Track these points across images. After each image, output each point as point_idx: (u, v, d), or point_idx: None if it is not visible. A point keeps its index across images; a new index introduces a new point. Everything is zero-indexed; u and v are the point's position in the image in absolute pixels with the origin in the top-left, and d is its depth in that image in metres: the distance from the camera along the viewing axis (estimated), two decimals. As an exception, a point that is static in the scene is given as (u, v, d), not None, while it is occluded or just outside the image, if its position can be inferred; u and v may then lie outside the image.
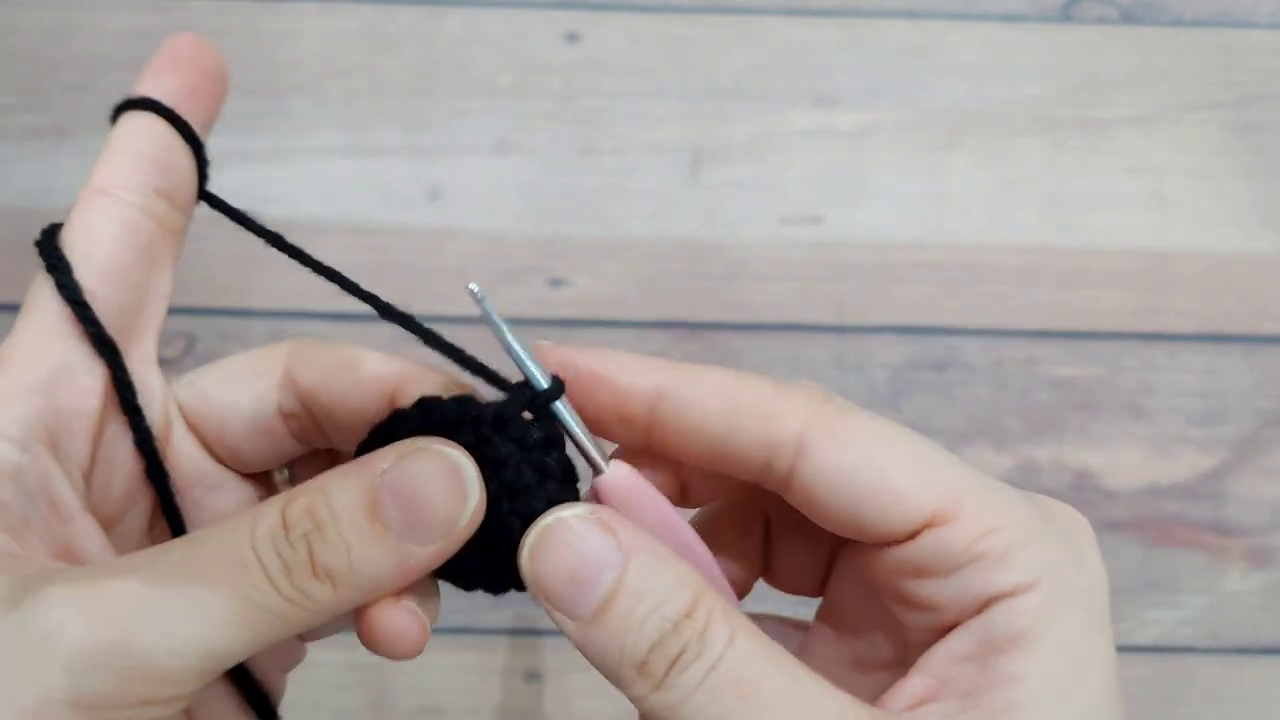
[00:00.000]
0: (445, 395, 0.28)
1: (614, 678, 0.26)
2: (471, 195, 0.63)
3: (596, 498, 0.28)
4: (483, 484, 0.26)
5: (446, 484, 0.26)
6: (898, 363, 0.62)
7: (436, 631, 0.54)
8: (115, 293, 0.28)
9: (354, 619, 0.27)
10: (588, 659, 0.26)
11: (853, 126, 0.65)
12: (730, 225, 0.64)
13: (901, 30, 0.66)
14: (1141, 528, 0.62)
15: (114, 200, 0.29)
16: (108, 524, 0.29)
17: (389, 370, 0.29)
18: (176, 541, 0.26)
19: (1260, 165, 0.65)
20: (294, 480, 0.33)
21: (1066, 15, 0.67)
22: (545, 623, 0.59)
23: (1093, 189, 0.65)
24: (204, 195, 0.31)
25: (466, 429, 0.27)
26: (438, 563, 0.26)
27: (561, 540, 0.26)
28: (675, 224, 0.63)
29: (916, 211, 0.64)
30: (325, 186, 0.63)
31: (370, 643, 0.27)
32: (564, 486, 0.27)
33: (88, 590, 0.24)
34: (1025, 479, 0.62)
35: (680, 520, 0.29)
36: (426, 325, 0.30)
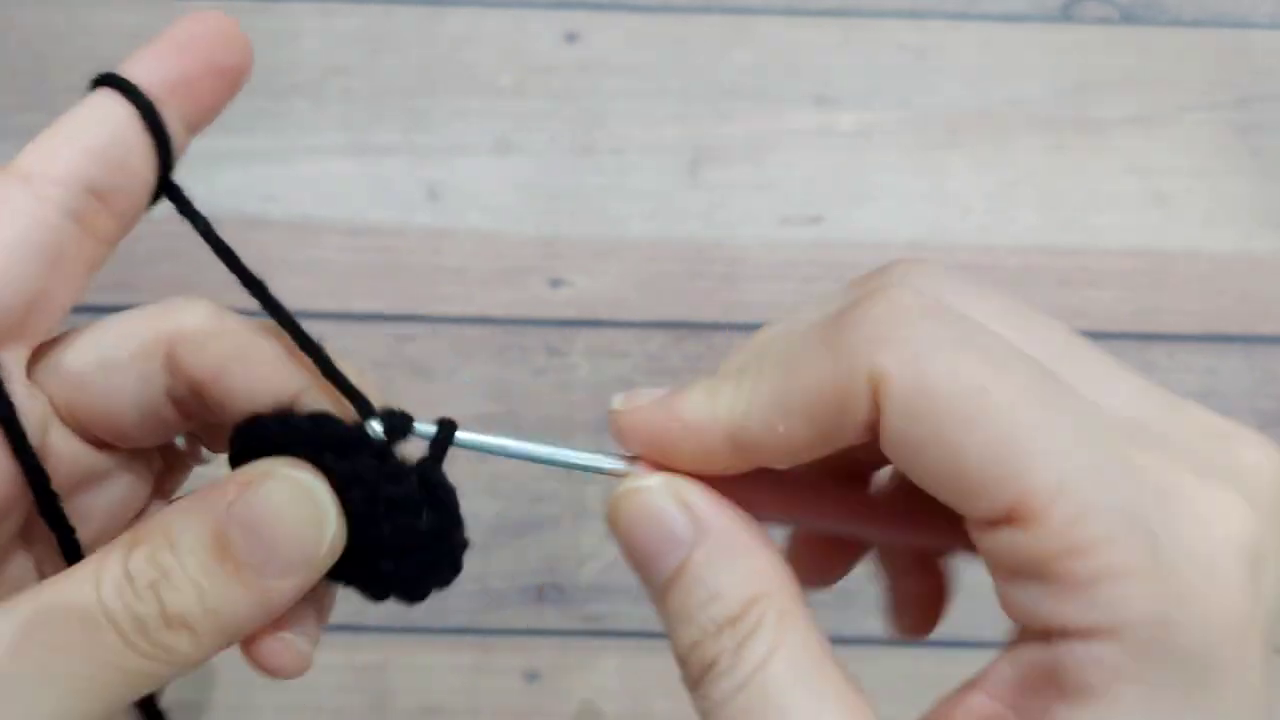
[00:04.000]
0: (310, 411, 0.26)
1: (675, 654, 0.25)
2: (471, 195, 0.63)
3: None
4: (339, 508, 0.25)
5: (300, 513, 0.24)
6: (898, 363, 0.62)
7: (436, 631, 0.55)
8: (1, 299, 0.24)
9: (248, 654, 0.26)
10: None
11: (853, 126, 0.65)
12: (730, 225, 0.64)
13: (901, 30, 0.66)
14: (1141, 528, 0.62)
15: (28, 193, 0.24)
16: None
17: (285, 380, 0.27)
18: (21, 600, 0.23)
19: (1260, 165, 0.65)
20: (190, 445, 0.30)
21: (1066, 15, 0.67)
22: (545, 623, 0.59)
23: (1093, 189, 0.65)
24: (168, 191, 0.27)
25: (319, 447, 0.25)
26: (302, 592, 0.25)
27: (633, 509, 0.25)
28: (675, 224, 0.63)
29: (916, 211, 0.64)
30: (325, 186, 0.63)
31: (253, 666, 0.26)
32: (441, 498, 0.26)
33: None
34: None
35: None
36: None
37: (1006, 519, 0.21)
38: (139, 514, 0.30)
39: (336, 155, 0.63)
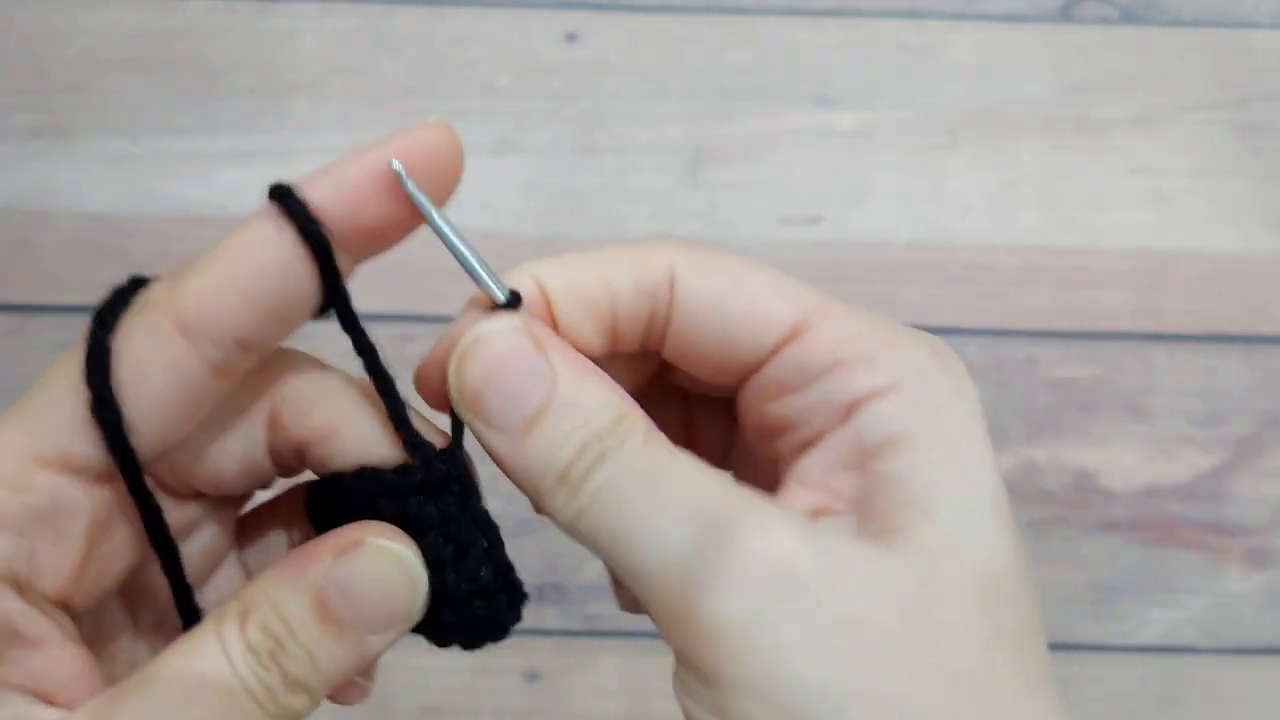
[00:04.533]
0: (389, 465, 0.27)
1: (535, 491, 0.26)
2: (471, 195, 0.63)
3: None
4: (425, 568, 0.26)
5: (395, 579, 0.26)
6: (898, 363, 0.62)
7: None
8: (151, 445, 0.25)
9: None
10: (510, 473, 0.26)
11: (853, 126, 0.65)
12: (730, 225, 0.64)
13: (901, 30, 0.66)
14: (1141, 528, 0.62)
15: (184, 346, 0.24)
16: (87, 607, 0.27)
17: (386, 445, 0.28)
18: (159, 671, 0.25)
19: (1260, 165, 0.65)
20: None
21: (1066, 15, 0.67)
22: (545, 623, 0.59)
23: (1093, 189, 0.65)
24: (332, 304, 0.26)
25: (396, 498, 0.27)
26: (395, 641, 0.27)
27: (493, 352, 0.26)
28: (675, 224, 0.63)
29: (916, 211, 0.64)
30: (325, 186, 0.63)
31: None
32: (481, 560, 0.28)
33: None
34: (1025, 479, 0.62)
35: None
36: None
37: (791, 335, 0.26)
38: (221, 559, 0.31)
39: (336, 155, 0.63)
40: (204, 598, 0.30)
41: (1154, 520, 0.62)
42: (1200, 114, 0.65)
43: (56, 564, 0.25)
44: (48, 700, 0.26)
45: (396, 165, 0.26)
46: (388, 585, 0.26)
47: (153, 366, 0.24)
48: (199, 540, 0.30)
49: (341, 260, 0.26)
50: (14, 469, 0.24)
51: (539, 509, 0.26)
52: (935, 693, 0.24)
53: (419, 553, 0.26)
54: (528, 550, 0.59)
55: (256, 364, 0.26)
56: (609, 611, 0.58)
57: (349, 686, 0.29)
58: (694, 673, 0.24)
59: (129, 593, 0.29)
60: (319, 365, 0.29)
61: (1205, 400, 0.63)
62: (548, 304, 0.27)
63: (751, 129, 0.65)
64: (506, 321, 0.26)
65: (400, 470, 0.27)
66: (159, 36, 0.64)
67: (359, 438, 0.27)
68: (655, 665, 0.58)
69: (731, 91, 0.65)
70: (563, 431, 0.25)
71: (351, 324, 0.27)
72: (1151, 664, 0.61)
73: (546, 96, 0.65)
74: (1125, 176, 0.65)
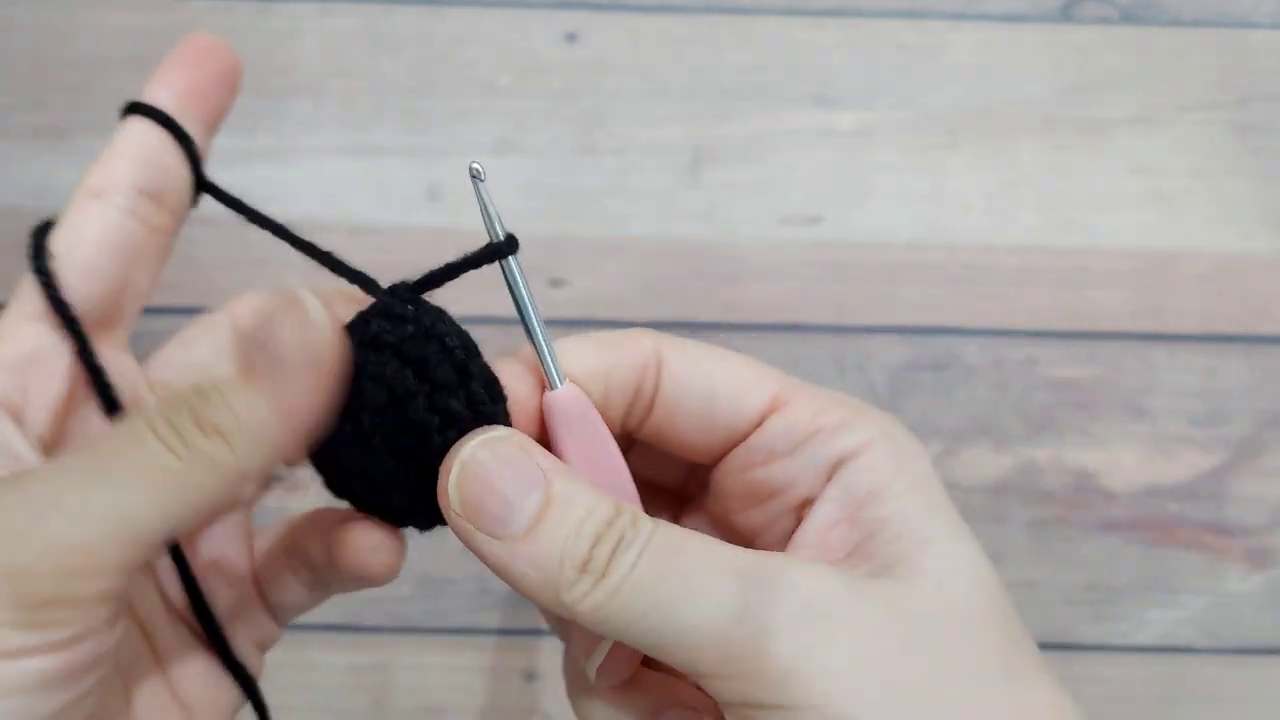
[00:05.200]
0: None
1: (550, 588, 0.27)
2: (471, 195, 0.63)
3: (541, 411, 0.31)
4: (326, 312, 0.28)
5: (293, 317, 0.28)
6: (897, 363, 0.62)
7: (436, 631, 0.55)
8: (93, 288, 0.30)
9: (338, 550, 0.30)
10: (514, 580, 0.27)
11: (853, 126, 0.65)
12: (730, 225, 0.64)
13: (901, 30, 0.66)
14: (1141, 528, 0.62)
15: (100, 203, 0.31)
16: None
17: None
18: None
19: (1260, 165, 0.65)
20: None
21: (1066, 15, 0.67)
22: (545, 623, 0.59)
23: (1093, 189, 0.65)
24: (203, 187, 0.33)
25: (389, 329, 0.29)
26: (317, 397, 0.28)
27: (487, 465, 0.28)
28: (675, 224, 0.63)
29: (916, 211, 0.64)
30: (325, 186, 0.63)
31: (352, 561, 0.30)
32: (486, 390, 0.29)
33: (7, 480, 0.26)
34: (1025, 479, 0.62)
35: (616, 449, 0.31)
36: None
37: (769, 410, 0.31)
38: (246, 533, 0.34)
39: (336, 155, 0.63)
40: (203, 538, 0.33)
41: (1154, 520, 0.62)
42: (1200, 114, 0.65)
43: (45, 399, 0.30)
44: None
45: (476, 166, 0.33)
46: (291, 323, 0.27)
47: (77, 223, 0.31)
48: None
49: (188, 121, 0.33)
50: (6, 325, 0.30)
51: (549, 607, 0.27)
52: (973, 688, 0.27)
53: (322, 307, 0.28)
54: (528, 550, 0.59)
55: (175, 220, 0.32)
56: (609, 611, 0.58)
57: (377, 534, 0.30)
58: (766, 712, 0.26)
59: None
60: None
61: (1205, 400, 0.63)
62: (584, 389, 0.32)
63: (751, 129, 0.65)
64: (492, 434, 0.28)
65: (384, 306, 0.30)
66: (159, 36, 0.64)
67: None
68: (655, 665, 0.58)
69: (731, 91, 0.65)
70: (571, 525, 0.27)
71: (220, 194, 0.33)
72: (1151, 664, 0.61)
73: (546, 96, 0.65)
74: (1125, 176, 0.65)
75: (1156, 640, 0.61)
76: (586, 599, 0.27)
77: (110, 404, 0.31)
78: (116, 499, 0.25)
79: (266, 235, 0.34)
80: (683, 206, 0.64)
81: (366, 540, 0.30)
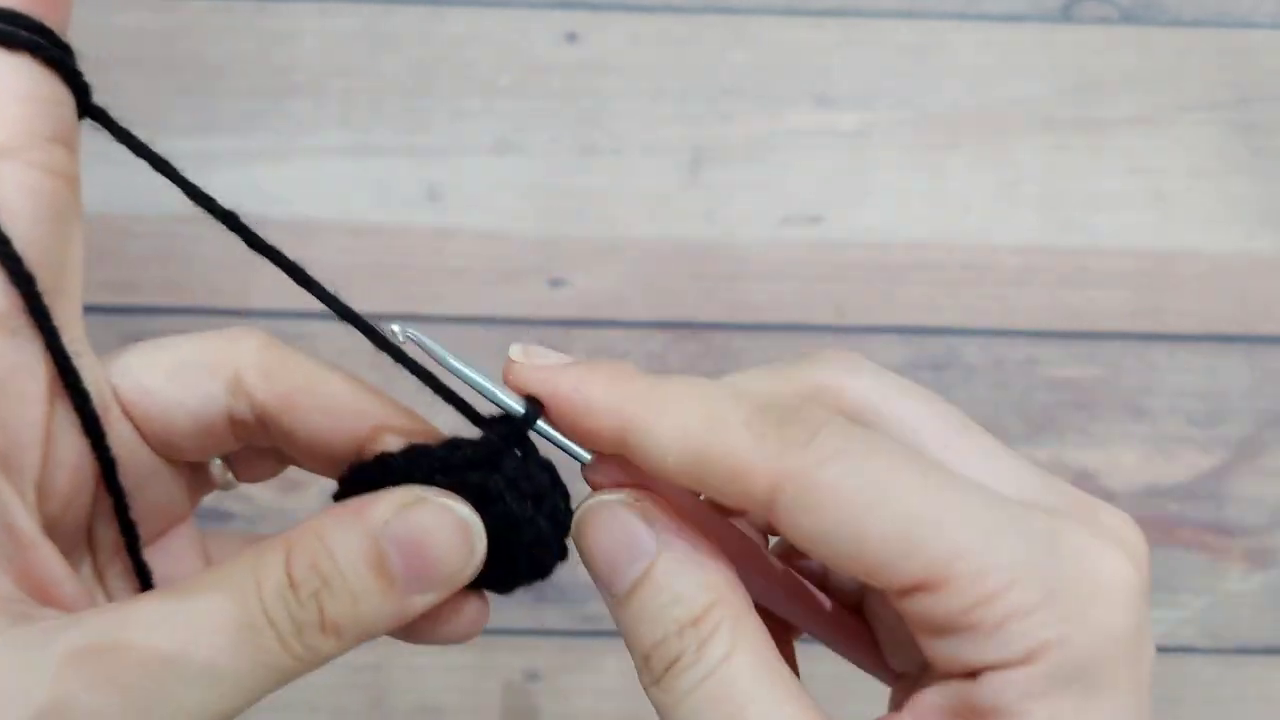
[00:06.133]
0: (432, 442, 0.27)
1: (633, 658, 0.27)
2: (471, 195, 0.63)
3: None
4: (485, 536, 0.26)
5: (455, 540, 0.26)
6: (898, 363, 0.62)
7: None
8: (40, 273, 0.25)
9: (435, 618, 0.28)
10: (622, 635, 0.27)
11: (853, 126, 0.65)
12: (730, 225, 0.64)
13: (901, 30, 0.66)
14: (1141, 528, 0.61)
15: (16, 164, 0.25)
16: (51, 524, 0.27)
17: (363, 408, 0.28)
18: (180, 590, 0.25)
19: (1260, 165, 0.65)
20: (233, 470, 0.32)
21: (1066, 15, 0.67)
22: (545, 623, 0.59)
23: (1093, 189, 0.65)
24: (89, 113, 0.28)
25: (455, 471, 0.27)
26: (429, 609, 0.26)
27: (601, 522, 0.27)
28: (675, 224, 0.63)
29: (916, 211, 0.64)
30: (325, 186, 0.63)
31: (448, 630, 0.28)
32: (558, 501, 0.28)
33: (98, 652, 0.23)
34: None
35: (721, 520, 0.29)
36: (428, 331, 0.29)
37: (916, 588, 0.24)
38: (179, 522, 0.31)
39: (336, 155, 0.63)
40: (153, 555, 0.30)
41: (1154, 520, 0.62)
42: (1200, 114, 0.65)
43: (31, 434, 0.26)
44: (41, 597, 0.25)
45: (398, 332, 0.27)
46: (447, 546, 0.26)
47: (3, 195, 0.25)
48: (158, 491, 0.30)
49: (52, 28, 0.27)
50: None
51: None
52: None
53: (479, 519, 0.26)
54: (528, 550, 0.59)
55: (73, 156, 0.27)
56: (609, 611, 0.58)
57: (475, 607, 0.28)
58: None
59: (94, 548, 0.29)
60: (275, 340, 0.29)
61: (1205, 400, 0.63)
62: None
63: (751, 129, 0.65)
64: (615, 494, 0.27)
65: (449, 445, 0.27)
66: (159, 36, 0.64)
67: (324, 408, 0.28)
68: (655, 665, 0.58)
69: (731, 91, 0.65)
70: (650, 611, 0.26)
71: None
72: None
73: (546, 96, 0.65)
74: (1125, 176, 0.65)
75: (1156, 640, 0.61)
76: (649, 691, 0.26)
77: (97, 439, 0.27)
78: (219, 700, 0.24)
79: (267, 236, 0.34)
80: (683, 206, 0.64)
81: (465, 606, 0.28)
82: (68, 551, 0.28)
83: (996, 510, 0.24)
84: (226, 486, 0.32)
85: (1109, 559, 0.25)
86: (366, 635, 0.25)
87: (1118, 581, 0.25)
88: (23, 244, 0.25)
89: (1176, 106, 0.65)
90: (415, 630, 0.27)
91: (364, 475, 0.28)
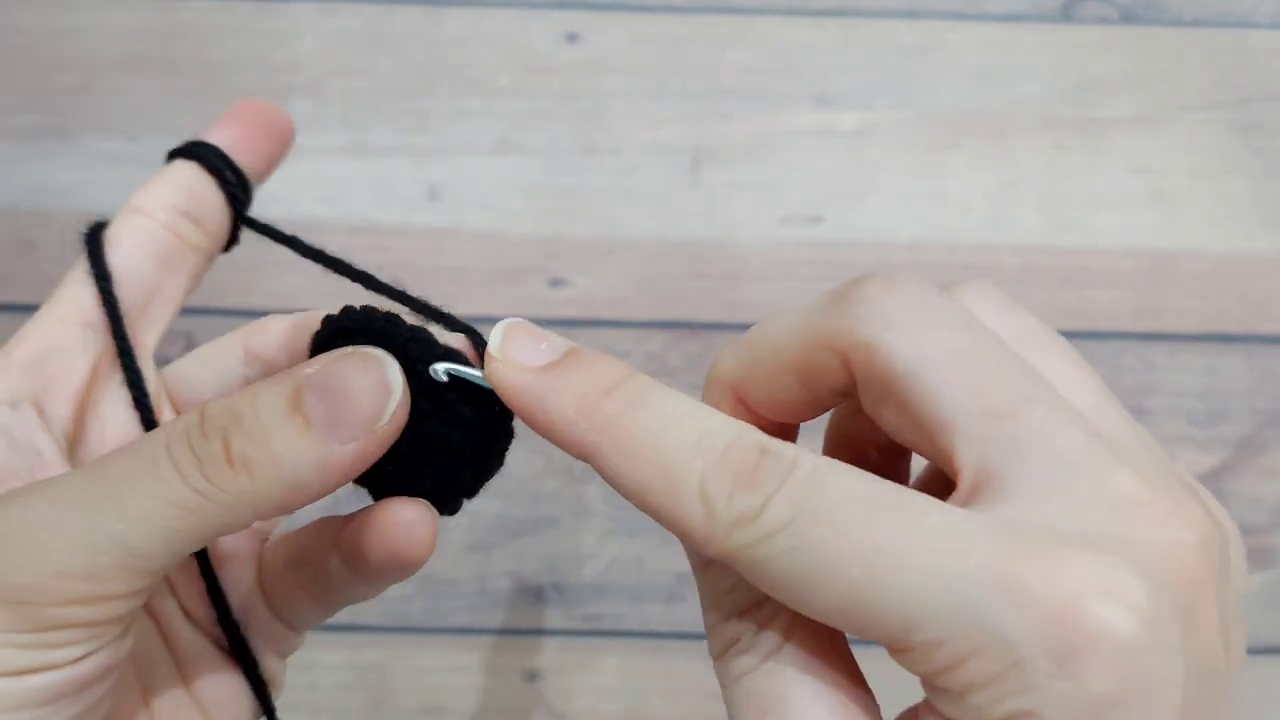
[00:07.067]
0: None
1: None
2: (471, 195, 0.63)
3: None
4: (405, 383, 0.27)
5: (369, 380, 0.26)
6: (898, 363, 0.62)
7: (436, 631, 0.54)
8: (125, 292, 0.32)
9: (368, 539, 0.28)
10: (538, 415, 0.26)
11: (853, 126, 0.65)
12: (730, 225, 0.64)
13: (901, 30, 0.66)
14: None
15: (140, 215, 0.32)
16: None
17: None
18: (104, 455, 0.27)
19: (1260, 165, 0.65)
20: None
21: (1066, 15, 0.67)
22: (545, 623, 0.59)
23: (1093, 189, 0.65)
24: (245, 222, 0.35)
25: (400, 347, 0.28)
26: (359, 465, 0.26)
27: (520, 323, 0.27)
28: (675, 224, 0.63)
29: (916, 211, 0.64)
30: (325, 186, 0.63)
31: (388, 544, 0.28)
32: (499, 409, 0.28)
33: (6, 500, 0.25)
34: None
35: None
36: (428, 324, 0.30)
37: (892, 646, 0.23)
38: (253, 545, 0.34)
39: (336, 155, 0.63)
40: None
41: (1154, 520, 0.62)
42: (1200, 114, 0.65)
43: (65, 391, 0.30)
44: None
45: (441, 371, 0.28)
46: (363, 386, 0.26)
47: (118, 230, 0.32)
48: None
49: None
50: (33, 324, 0.31)
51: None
52: None
53: (400, 370, 0.27)
54: (528, 550, 0.59)
55: (213, 242, 0.34)
56: (609, 611, 0.58)
57: (413, 510, 0.28)
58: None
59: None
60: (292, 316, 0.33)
61: (1205, 400, 0.63)
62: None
63: (751, 129, 0.65)
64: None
65: (391, 317, 0.28)
66: (159, 36, 0.64)
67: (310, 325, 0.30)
68: (655, 665, 0.58)
69: (731, 91, 0.65)
70: (719, 590, 0.26)
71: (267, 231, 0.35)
72: (1151, 664, 0.61)
73: (546, 96, 0.65)
74: (1125, 176, 0.65)
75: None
76: (714, 657, 0.26)
77: (142, 403, 0.31)
78: (124, 531, 0.24)
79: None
80: (683, 206, 0.64)
81: (402, 516, 0.28)
82: None
83: (960, 568, 0.22)
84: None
85: (1094, 615, 0.21)
86: (288, 477, 0.25)
87: (1101, 643, 0.21)
88: (116, 267, 0.32)
89: (1176, 106, 0.65)
90: (362, 551, 0.28)
91: (319, 341, 0.29)
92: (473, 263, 0.62)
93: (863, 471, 0.23)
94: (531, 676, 0.59)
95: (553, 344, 0.26)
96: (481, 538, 0.58)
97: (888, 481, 0.23)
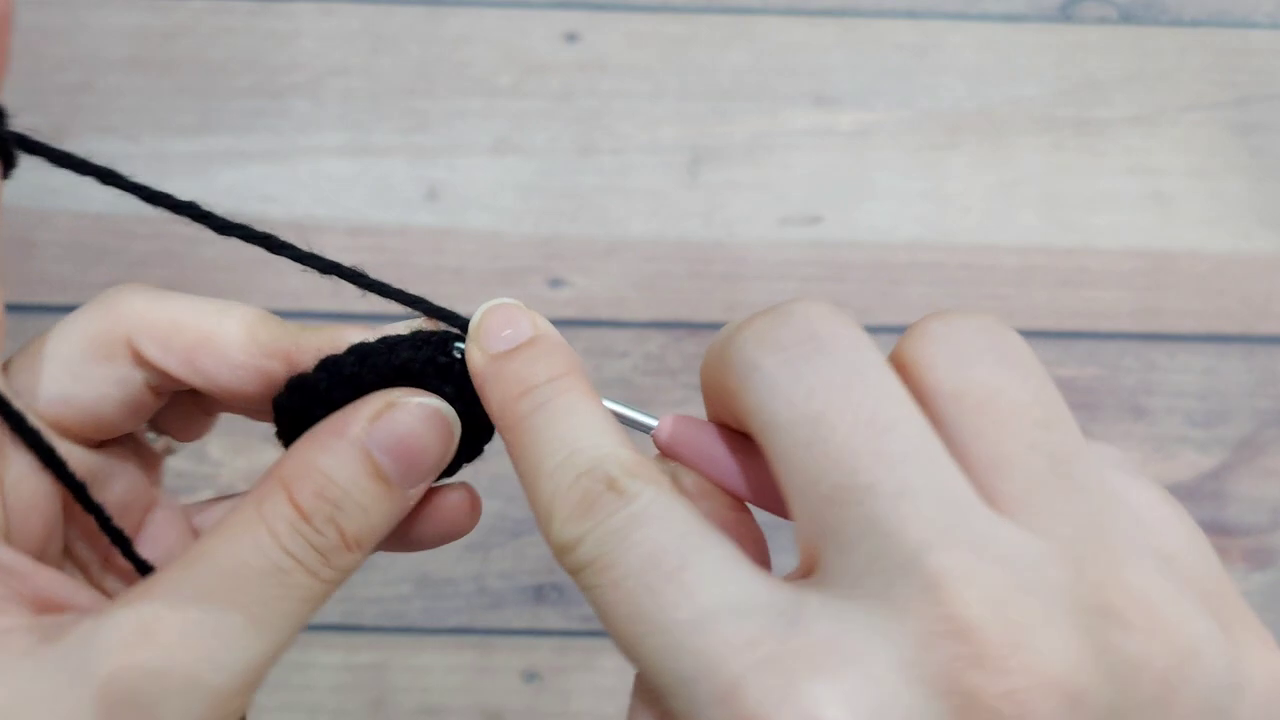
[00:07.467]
0: (371, 339, 0.29)
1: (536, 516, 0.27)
2: (471, 195, 0.63)
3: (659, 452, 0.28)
4: (458, 418, 0.28)
5: (435, 431, 0.27)
6: (897, 363, 0.62)
7: (436, 632, 0.54)
8: None
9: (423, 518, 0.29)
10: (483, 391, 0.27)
11: (853, 126, 0.65)
12: (730, 225, 0.64)
13: (901, 30, 0.66)
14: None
15: None
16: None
17: (259, 349, 0.29)
18: (190, 560, 0.25)
19: (1260, 165, 0.65)
20: (158, 430, 0.32)
21: (1066, 15, 0.67)
22: (545, 623, 0.59)
23: (1093, 189, 0.65)
24: (22, 145, 0.29)
25: (405, 363, 0.28)
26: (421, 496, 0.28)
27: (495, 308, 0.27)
28: (675, 224, 0.63)
29: (916, 211, 0.64)
30: (325, 186, 0.63)
31: (435, 527, 0.29)
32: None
33: (124, 619, 0.24)
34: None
35: (735, 466, 0.27)
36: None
37: None
38: (151, 503, 0.31)
39: (336, 155, 0.63)
40: (140, 548, 0.30)
41: (1154, 520, 0.62)
42: (1200, 114, 0.65)
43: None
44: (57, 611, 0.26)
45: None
46: (431, 438, 0.27)
47: None
48: (119, 483, 0.30)
49: None
50: None
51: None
52: None
53: (446, 403, 0.28)
54: (528, 550, 0.59)
55: None
56: (609, 611, 0.58)
57: (461, 495, 0.29)
58: None
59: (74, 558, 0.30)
60: (159, 290, 0.29)
61: (1205, 400, 0.63)
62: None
63: (751, 129, 0.65)
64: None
65: (385, 343, 0.28)
66: (159, 36, 0.64)
67: (225, 348, 0.28)
68: (655, 665, 0.58)
69: (731, 91, 0.65)
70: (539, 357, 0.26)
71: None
72: (1151, 664, 0.61)
73: (546, 96, 0.65)
74: (1125, 176, 0.65)
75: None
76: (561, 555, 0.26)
77: (47, 456, 0.27)
78: (249, 651, 0.24)
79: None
80: (683, 206, 0.64)
81: (449, 501, 0.29)
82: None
83: (703, 661, 0.21)
84: (169, 451, 0.33)
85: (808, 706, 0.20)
86: (380, 537, 0.27)
87: None
88: None
89: (1176, 106, 0.65)
90: (415, 533, 0.29)
91: (308, 388, 0.28)
92: (472, 263, 0.62)
93: (691, 518, 0.23)
94: (530, 676, 0.59)
95: (516, 330, 0.27)
96: (481, 538, 0.58)
97: (709, 533, 0.22)
